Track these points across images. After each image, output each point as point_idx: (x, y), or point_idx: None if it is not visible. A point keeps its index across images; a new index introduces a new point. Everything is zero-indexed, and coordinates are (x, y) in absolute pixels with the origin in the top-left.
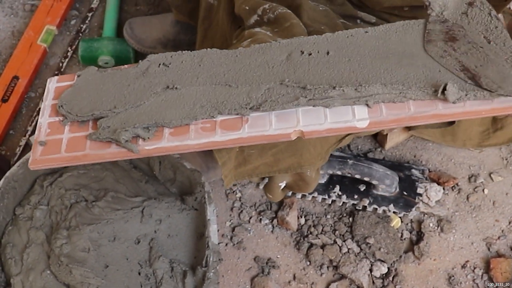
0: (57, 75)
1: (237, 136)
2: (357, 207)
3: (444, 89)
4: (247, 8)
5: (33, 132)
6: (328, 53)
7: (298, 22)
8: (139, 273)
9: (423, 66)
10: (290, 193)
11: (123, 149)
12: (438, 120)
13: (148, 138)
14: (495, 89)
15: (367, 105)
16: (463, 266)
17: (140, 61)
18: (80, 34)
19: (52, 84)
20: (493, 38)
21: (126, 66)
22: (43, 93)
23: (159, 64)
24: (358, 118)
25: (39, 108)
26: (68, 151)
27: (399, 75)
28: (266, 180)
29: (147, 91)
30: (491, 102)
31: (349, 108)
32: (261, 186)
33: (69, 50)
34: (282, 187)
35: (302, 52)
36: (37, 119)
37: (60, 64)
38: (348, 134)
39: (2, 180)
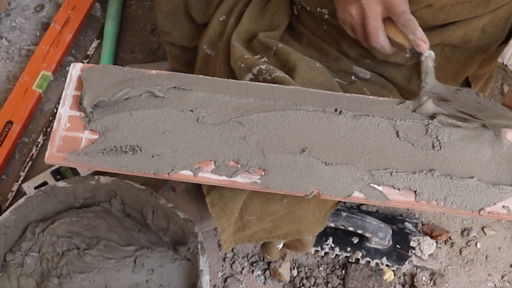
0: (51, 121)
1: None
2: (350, 260)
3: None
4: (242, 65)
5: (25, 179)
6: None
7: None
8: None
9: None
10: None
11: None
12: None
13: None
14: (493, 122)
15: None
16: None
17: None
18: None
19: (76, 71)
20: (483, 102)
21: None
22: (37, 138)
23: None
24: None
25: (32, 154)
26: None
27: None
28: None
29: None
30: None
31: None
32: None
33: None
34: (280, 248)
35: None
36: (30, 164)
37: (55, 110)
38: None
39: None
